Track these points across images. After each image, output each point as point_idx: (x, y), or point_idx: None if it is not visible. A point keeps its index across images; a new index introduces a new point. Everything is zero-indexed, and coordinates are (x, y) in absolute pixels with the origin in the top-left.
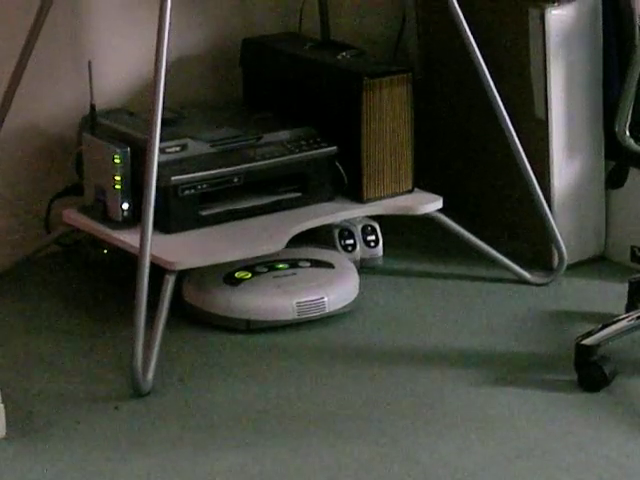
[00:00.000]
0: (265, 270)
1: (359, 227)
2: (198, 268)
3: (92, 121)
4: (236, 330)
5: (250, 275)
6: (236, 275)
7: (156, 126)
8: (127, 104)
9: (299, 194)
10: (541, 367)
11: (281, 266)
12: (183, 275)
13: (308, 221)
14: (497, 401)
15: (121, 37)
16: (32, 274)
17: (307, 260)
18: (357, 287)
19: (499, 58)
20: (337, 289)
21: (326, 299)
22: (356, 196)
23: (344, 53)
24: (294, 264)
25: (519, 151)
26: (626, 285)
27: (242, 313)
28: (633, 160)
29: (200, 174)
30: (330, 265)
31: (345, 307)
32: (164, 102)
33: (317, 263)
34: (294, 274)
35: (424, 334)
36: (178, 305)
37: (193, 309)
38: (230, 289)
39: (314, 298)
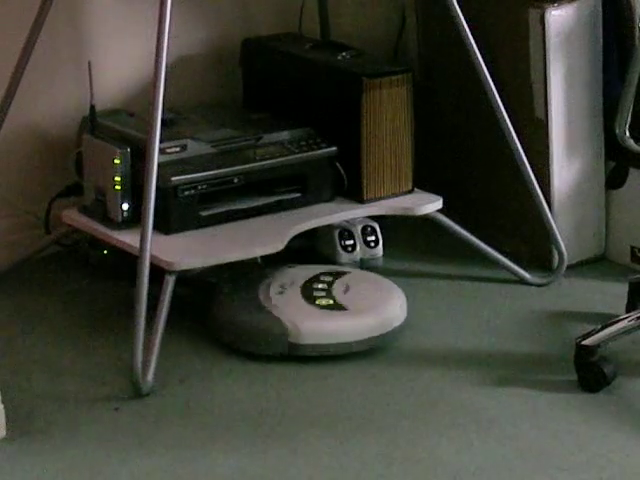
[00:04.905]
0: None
1: (359, 227)
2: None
3: (92, 121)
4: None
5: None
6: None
7: (156, 126)
8: (127, 104)
9: (299, 194)
10: (541, 367)
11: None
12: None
13: (308, 221)
14: (497, 401)
15: (121, 37)
16: (32, 274)
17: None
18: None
19: (499, 58)
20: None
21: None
22: (356, 196)
23: (344, 53)
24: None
25: (519, 151)
26: (626, 285)
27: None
28: (633, 160)
29: (200, 174)
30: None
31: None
32: (164, 102)
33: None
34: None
35: (424, 334)
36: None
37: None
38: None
39: None
